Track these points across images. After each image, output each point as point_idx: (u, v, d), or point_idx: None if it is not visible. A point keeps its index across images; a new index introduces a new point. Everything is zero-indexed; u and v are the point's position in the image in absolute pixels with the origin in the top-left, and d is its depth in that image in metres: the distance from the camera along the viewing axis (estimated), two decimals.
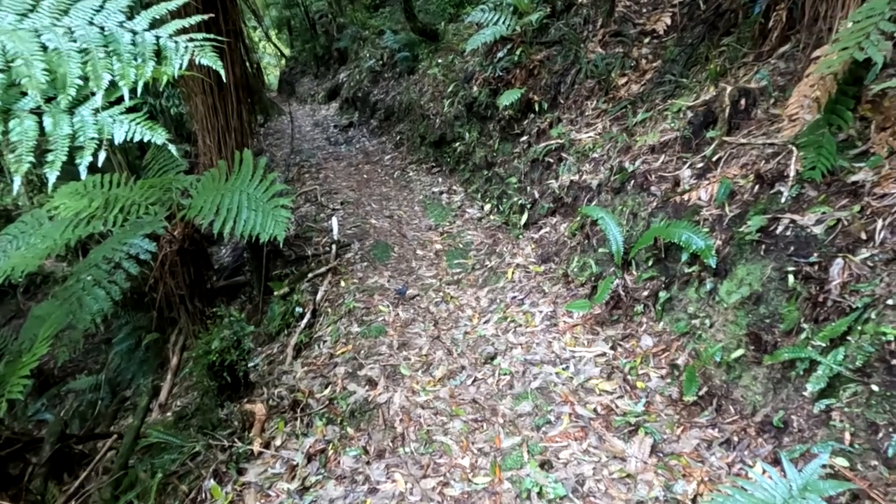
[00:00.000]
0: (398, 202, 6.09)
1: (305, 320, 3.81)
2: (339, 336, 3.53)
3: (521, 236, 4.26)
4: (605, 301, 2.90)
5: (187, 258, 4.29)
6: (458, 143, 6.27)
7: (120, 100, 1.65)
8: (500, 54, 5.95)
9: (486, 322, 3.43)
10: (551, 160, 4.34)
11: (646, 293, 2.88)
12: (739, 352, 2.24)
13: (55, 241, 3.89)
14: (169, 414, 4.11)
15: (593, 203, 3.62)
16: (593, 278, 3.31)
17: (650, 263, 2.90)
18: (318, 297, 3.99)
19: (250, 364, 3.86)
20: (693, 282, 2.62)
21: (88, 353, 7.34)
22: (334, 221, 4.85)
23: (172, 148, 1.71)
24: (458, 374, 2.96)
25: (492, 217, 4.99)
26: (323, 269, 4.26)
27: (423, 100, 7.47)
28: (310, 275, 4.25)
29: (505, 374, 2.86)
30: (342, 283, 4.13)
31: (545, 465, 2.21)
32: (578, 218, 3.70)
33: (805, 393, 1.94)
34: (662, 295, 2.76)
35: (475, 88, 6.18)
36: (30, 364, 3.34)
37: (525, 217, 4.29)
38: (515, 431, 2.45)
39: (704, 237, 2.50)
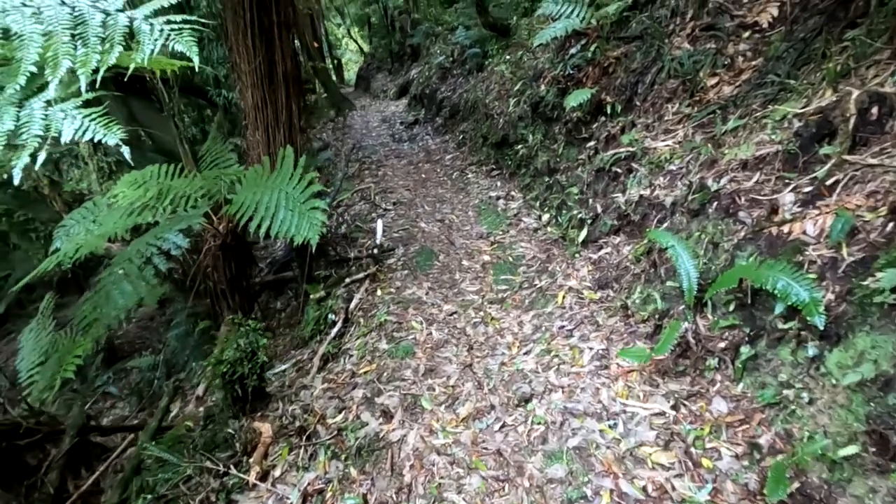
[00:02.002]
0: (452, 205, 5.71)
1: (336, 329, 3.55)
2: (366, 352, 3.22)
3: (577, 255, 3.73)
4: (669, 349, 2.34)
5: (229, 254, 4.18)
6: (520, 146, 5.78)
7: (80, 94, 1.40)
8: (572, 50, 5.38)
9: (526, 353, 2.97)
10: (619, 170, 3.75)
11: (722, 344, 2.29)
12: (852, 449, 1.64)
13: (109, 228, 3.91)
14: (202, 409, 4.03)
15: (665, 225, 3.03)
16: (657, 315, 2.74)
17: (731, 308, 2.30)
18: (352, 305, 3.71)
19: (277, 369, 3.68)
20: (789, 341, 2.01)
21: (156, 330, 7.69)
22: (379, 225, 4.57)
23: (126, 151, 1.43)
24: (485, 414, 2.54)
25: (549, 229, 4.48)
26: (361, 275, 3.98)
27: (489, 98, 7.02)
28: (347, 280, 3.98)
29: (539, 424, 2.40)
30: (378, 292, 3.82)
31: None
32: (645, 241, 3.12)
33: None
34: (745, 350, 2.17)
35: (543, 87, 5.66)
36: (83, 347, 3.34)
37: (584, 233, 3.75)
38: (542, 503, 2.00)
39: (809, 287, 1.89)
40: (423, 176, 6.93)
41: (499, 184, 5.98)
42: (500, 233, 4.74)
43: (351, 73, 24.17)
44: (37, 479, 2.70)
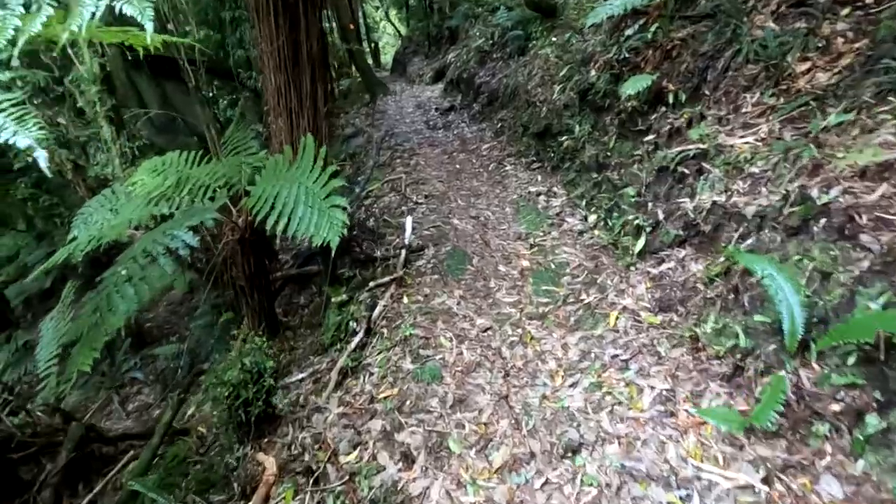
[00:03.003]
0: (488, 200, 5.22)
1: (357, 339, 3.16)
2: (387, 371, 2.81)
3: (633, 267, 3.20)
4: (771, 419, 1.81)
5: (247, 249, 3.84)
6: (564, 137, 5.22)
7: None
8: (628, 32, 4.75)
9: (572, 386, 2.50)
10: (686, 171, 3.18)
11: (837, 407, 1.77)
12: None
13: (126, 219, 3.63)
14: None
15: (748, 242, 2.47)
16: (738, 354, 2.22)
17: (852, 362, 1.77)
18: (376, 313, 3.31)
19: (293, 377, 3.34)
20: None
21: (184, 315, 7.57)
22: (408, 223, 4.13)
23: (41, 156, 1.04)
24: (523, 465, 2.10)
25: (596, 232, 3.95)
26: (387, 279, 3.57)
27: (531, 84, 6.43)
28: (371, 283, 3.58)
29: (590, 485, 1.94)
30: (405, 299, 3.41)
31: None
32: (721, 260, 2.58)
33: None
34: (872, 421, 1.65)
35: (593, 73, 5.05)
36: (100, 341, 3.06)
37: (641, 242, 3.21)
38: None
39: None
40: (458, 167, 6.45)
41: (539, 178, 5.44)
42: (541, 234, 4.24)
43: (388, 57, 23.67)
44: (29, 497, 2.45)
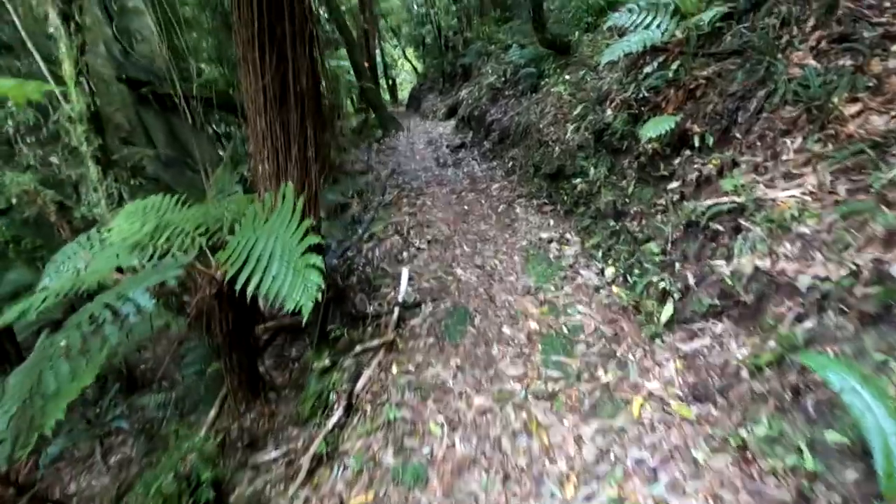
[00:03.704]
0: (496, 246, 4.79)
1: (336, 418, 2.70)
2: (364, 465, 2.34)
3: (659, 339, 2.71)
4: None
5: (225, 304, 3.46)
6: (578, 180, 4.80)
7: None
8: (647, 69, 4.39)
9: (588, 499, 1.99)
10: (720, 227, 2.71)
11: None
12: None
13: (97, 271, 3.30)
14: None
15: (806, 325, 1.98)
16: (803, 476, 1.70)
17: None
18: (360, 385, 2.86)
19: (265, 456, 2.87)
20: None
21: (181, 359, 7.19)
22: (403, 276, 3.71)
23: None
24: None
25: (615, 290, 3.47)
26: (376, 343, 3.13)
27: (543, 122, 6.09)
28: (358, 347, 3.14)
29: None
30: (394, 369, 2.95)
31: None
32: (773, 344, 2.08)
33: None
34: None
35: (609, 112, 4.67)
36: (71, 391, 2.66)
37: (669, 310, 2.72)
38: None
39: None
40: (466, 207, 6.06)
41: (551, 222, 5.01)
42: (552, 288, 3.77)
43: (405, 93, 23.95)
44: None
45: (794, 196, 2.53)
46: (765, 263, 2.34)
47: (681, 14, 4.03)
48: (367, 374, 2.90)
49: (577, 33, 6.64)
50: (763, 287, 2.32)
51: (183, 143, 7.76)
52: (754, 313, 2.32)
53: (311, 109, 3.38)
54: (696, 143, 3.50)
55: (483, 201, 6.20)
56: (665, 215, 3.27)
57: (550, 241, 4.61)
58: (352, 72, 11.59)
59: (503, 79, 8.54)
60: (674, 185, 3.45)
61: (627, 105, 4.41)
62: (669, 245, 3.01)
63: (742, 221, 2.59)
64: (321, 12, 11.35)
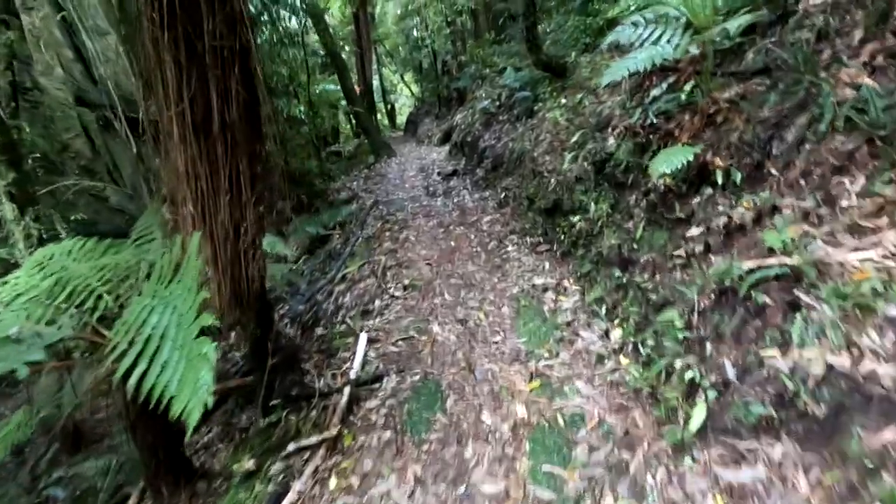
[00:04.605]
0: (482, 294, 4.09)
1: None
2: None
3: (689, 455, 1.97)
4: None
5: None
6: (577, 217, 4.13)
7: None
8: (654, 92, 3.75)
9: None
10: (769, 300, 1.99)
11: None
12: None
13: None
14: None
15: None
16: None
17: None
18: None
19: None
20: None
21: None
22: (360, 344, 2.99)
23: None
24: None
25: (623, 362, 2.74)
26: (314, 440, 2.39)
27: (538, 150, 5.44)
28: (292, 446, 2.40)
29: None
30: (331, 483, 2.21)
31: None
32: (860, 482, 1.35)
33: None
34: None
35: (611, 140, 4.02)
36: None
37: (701, 413, 1.98)
38: None
39: None
40: (453, 244, 5.38)
41: (547, 265, 4.31)
42: (546, 355, 3.05)
43: (404, 118, 23.59)
44: None
45: (870, 260, 1.83)
46: (841, 361, 1.62)
47: (694, 28, 3.39)
48: (296, 486, 2.16)
49: (573, 54, 6.05)
50: (841, 395, 1.59)
51: (154, 172, 7.15)
52: (830, 433, 1.59)
53: (246, 139, 2.72)
54: (720, 180, 2.83)
55: (472, 236, 5.52)
56: (687, 273, 2.56)
57: (545, 289, 3.90)
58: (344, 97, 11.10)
59: (497, 103, 7.97)
60: (694, 231, 2.76)
61: (633, 132, 3.76)
62: (695, 314, 2.29)
63: (800, 294, 1.88)
64: (310, 39, 10.90)
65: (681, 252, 2.72)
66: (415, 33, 15.18)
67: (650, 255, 3.10)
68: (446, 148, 10.53)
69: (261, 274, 3.06)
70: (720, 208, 2.76)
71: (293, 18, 8.16)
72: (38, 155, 4.89)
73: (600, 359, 2.89)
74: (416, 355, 3.14)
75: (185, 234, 2.80)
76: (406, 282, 4.43)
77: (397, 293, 4.19)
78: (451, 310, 3.84)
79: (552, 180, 4.82)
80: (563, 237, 4.34)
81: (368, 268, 4.96)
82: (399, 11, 14.94)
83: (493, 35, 9.52)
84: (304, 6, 8.65)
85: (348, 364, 3.04)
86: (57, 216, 3.81)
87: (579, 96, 5.14)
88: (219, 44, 2.43)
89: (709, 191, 2.93)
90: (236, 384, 3.94)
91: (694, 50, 3.26)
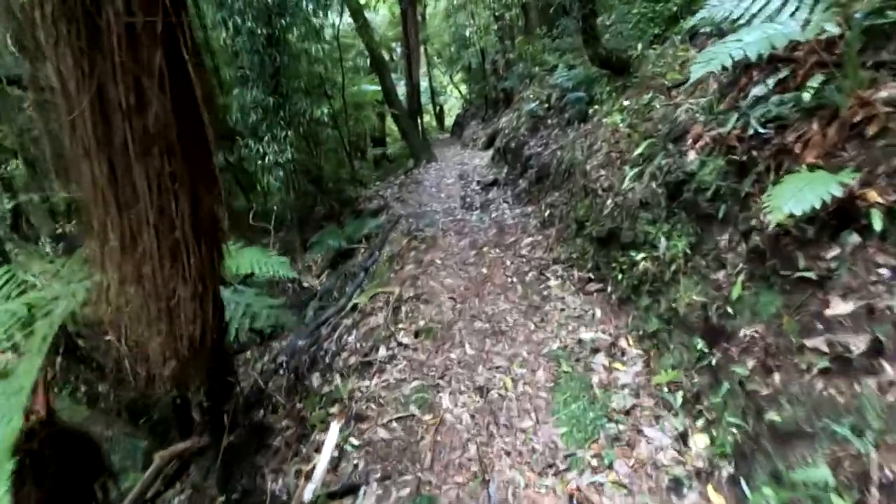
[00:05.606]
0: (512, 346, 3.19)
1: None
2: None
3: None
4: None
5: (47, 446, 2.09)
6: (641, 254, 3.13)
7: None
8: (755, 90, 2.69)
9: None
10: None
11: None
12: None
13: None
14: None
15: None
16: None
17: None
18: None
19: None
20: None
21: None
22: (330, 439, 2.16)
23: None
24: None
25: (714, 496, 1.77)
26: None
27: (591, 163, 4.45)
28: None
29: None
30: None
31: None
32: None
33: None
34: None
35: (692, 155, 2.99)
36: None
37: None
38: None
39: None
40: (484, 271, 4.49)
41: (598, 313, 3.34)
42: (594, 462, 2.12)
43: (452, 120, 22.81)
44: None
45: None
46: None
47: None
48: None
49: (639, 47, 4.98)
50: None
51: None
52: None
53: (183, 153, 1.96)
54: (877, 224, 1.79)
55: (508, 262, 4.61)
56: (835, 386, 1.55)
57: (595, 349, 2.95)
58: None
59: (546, 105, 6.98)
60: (843, 307, 1.73)
61: (725, 146, 2.72)
62: (873, 490, 1.29)
63: None
64: (357, 41, 10.29)
65: (818, 344, 1.71)
66: (467, 32, 14.35)
67: (755, 330, 2.09)
68: (490, 152, 9.63)
69: (215, 325, 2.32)
70: (881, 270, 1.73)
71: (329, 13, 7.53)
72: None
73: (676, 484, 1.92)
74: (412, 448, 2.29)
75: (109, 274, 2.10)
76: (421, 323, 3.60)
77: (406, 339, 3.37)
78: (469, 370, 2.96)
79: (608, 201, 3.83)
80: (620, 277, 3.35)
81: (382, 299, 4.17)
82: (446, 7, 14.13)
83: (544, 30, 8.51)
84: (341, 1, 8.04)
85: (315, 462, 2.25)
86: None
87: (646, 97, 4.09)
88: (128, 20, 1.68)
89: (856, 239, 1.89)
90: (184, 447, 3.16)
91: (832, 29, 2.19)
